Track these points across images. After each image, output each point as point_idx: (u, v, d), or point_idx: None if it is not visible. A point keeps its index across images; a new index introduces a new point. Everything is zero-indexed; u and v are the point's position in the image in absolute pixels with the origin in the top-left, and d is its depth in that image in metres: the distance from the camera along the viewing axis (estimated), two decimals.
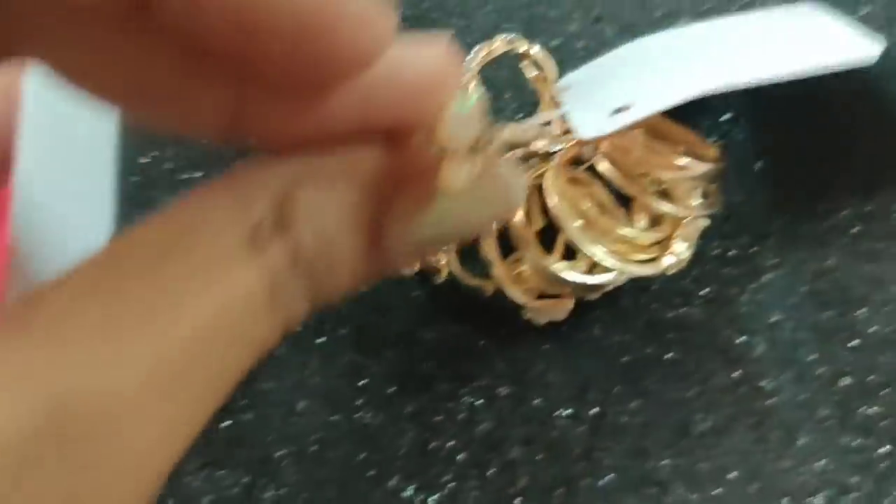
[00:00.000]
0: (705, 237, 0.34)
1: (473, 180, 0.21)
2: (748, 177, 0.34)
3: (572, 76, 0.34)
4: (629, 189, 0.30)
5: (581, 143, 0.31)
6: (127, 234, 0.20)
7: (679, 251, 0.30)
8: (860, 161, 0.33)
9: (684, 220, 0.31)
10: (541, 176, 0.31)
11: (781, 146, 0.34)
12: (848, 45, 0.30)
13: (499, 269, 0.31)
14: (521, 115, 0.36)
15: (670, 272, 0.31)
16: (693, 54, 0.31)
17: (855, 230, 0.33)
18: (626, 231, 0.31)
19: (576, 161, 0.32)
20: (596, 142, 0.31)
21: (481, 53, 0.31)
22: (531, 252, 0.30)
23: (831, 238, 0.33)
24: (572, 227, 0.30)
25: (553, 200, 0.30)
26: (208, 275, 0.19)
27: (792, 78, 0.28)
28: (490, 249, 0.31)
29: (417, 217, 0.21)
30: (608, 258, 0.30)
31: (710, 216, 0.31)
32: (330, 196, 0.20)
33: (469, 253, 0.33)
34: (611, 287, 0.31)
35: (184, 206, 0.20)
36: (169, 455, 0.19)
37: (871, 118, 0.34)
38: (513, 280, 0.32)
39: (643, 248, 0.31)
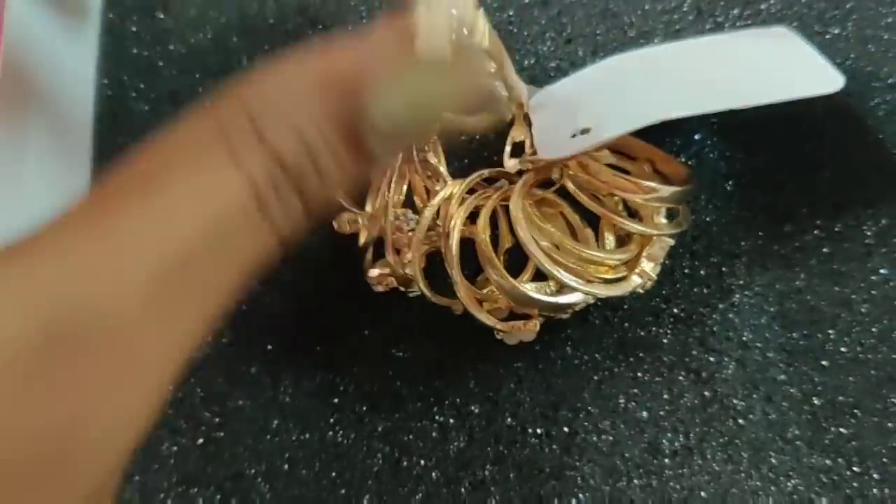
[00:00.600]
0: (676, 256, 0.34)
1: (448, 51, 0.22)
2: (719, 196, 0.34)
3: (549, 90, 0.35)
4: (597, 208, 0.30)
5: (547, 167, 0.31)
6: (117, 165, 0.21)
7: (647, 270, 0.30)
8: (829, 183, 0.33)
9: (652, 239, 0.31)
10: (509, 197, 0.31)
11: (752, 166, 0.34)
12: (813, 77, 0.30)
13: (462, 291, 0.31)
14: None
15: (639, 292, 0.31)
16: (661, 78, 0.31)
17: (823, 251, 0.33)
18: (592, 253, 0.31)
19: (546, 182, 0.32)
20: (563, 163, 0.31)
21: None
22: (496, 273, 0.30)
23: (800, 259, 0.33)
24: (537, 251, 0.30)
25: (517, 223, 0.30)
26: (194, 189, 0.20)
27: (755, 106, 0.28)
28: (455, 271, 0.31)
29: (393, 88, 0.21)
30: (573, 280, 0.30)
31: (678, 235, 0.31)
32: (303, 102, 0.21)
33: (439, 273, 0.33)
34: (581, 306, 0.31)
35: (166, 135, 0.21)
36: (170, 365, 0.20)
37: (840, 140, 0.34)
38: (480, 299, 0.32)
39: (611, 268, 0.31)
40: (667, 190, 0.30)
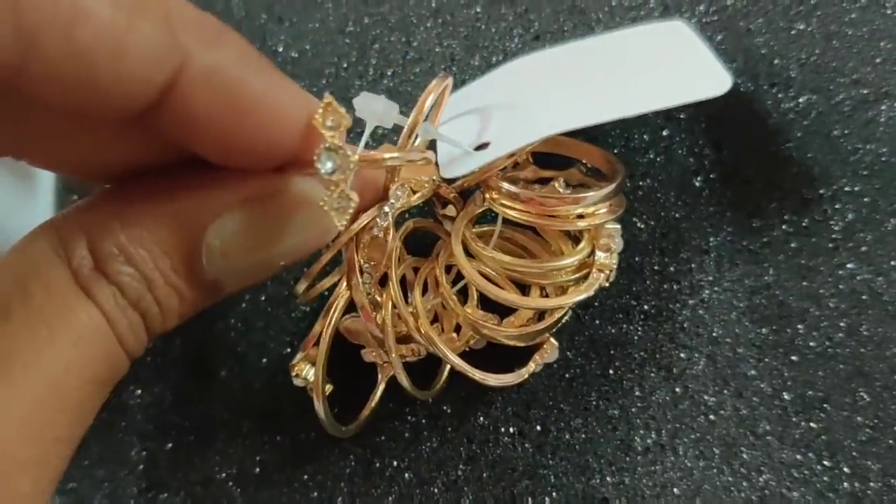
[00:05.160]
0: (645, 253, 0.34)
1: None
2: (688, 193, 0.34)
3: (456, 97, 0.35)
4: (532, 220, 0.30)
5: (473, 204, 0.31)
6: None
7: (604, 262, 0.30)
8: (796, 178, 0.34)
9: (600, 231, 0.30)
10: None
11: (720, 162, 0.34)
12: (702, 80, 0.29)
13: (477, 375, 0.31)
14: None
15: (605, 285, 0.30)
16: (554, 87, 0.31)
17: (791, 246, 0.33)
18: (549, 264, 0.30)
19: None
20: (483, 190, 0.31)
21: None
22: (489, 331, 0.30)
23: (769, 254, 0.33)
24: (502, 294, 0.30)
25: (471, 278, 0.30)
26: (49, 323, 0.20)
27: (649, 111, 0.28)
28: (454, 361, 0.31)
29: (230, 230, 0.23)
30: (549, 301, 0.30)
31: (621, 218, 0.31)
32: (143, 238, 0.22)
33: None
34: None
35: (9, 262, 0.21)
36: (43, 493, 0.20)
37: (807, 136, 0.34)
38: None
39: (573, 271, 0.31)
40: (595, 195, 0.30)
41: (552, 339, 0.32)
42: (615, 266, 0.30)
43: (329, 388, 0.32)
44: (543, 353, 0.32)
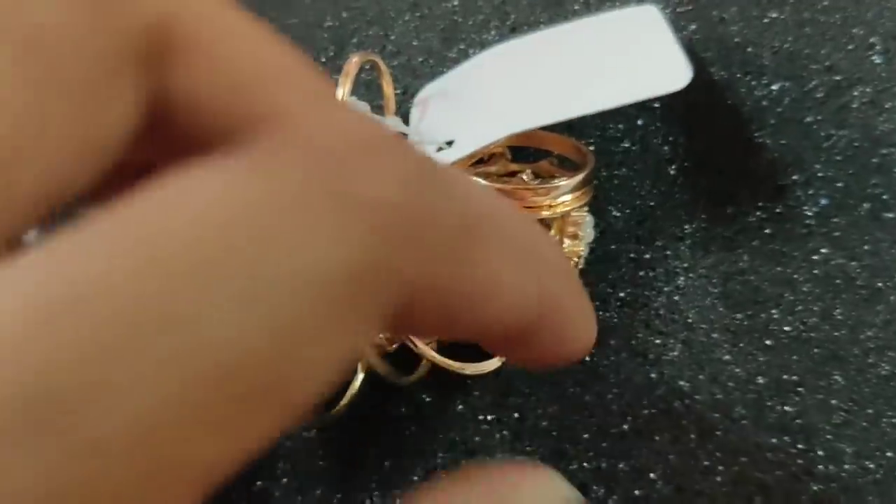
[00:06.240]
0: (621, 241, 0.34)
1: None
2: (662, 181, 0.35)
3: (429, 89, 0.35)
4: None
5: None
6: None
7: (570, 251, 0.31)
8: (769, 165, 0.34)
9: (566, 220, 0.31)
10: None
11: (695, 151, 0.35)
12: (663, 75, 0.29)
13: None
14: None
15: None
16: (519, 81, 0.32)
17: (765, 232, 0.33)
18: None
19: None
20: None
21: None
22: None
23: (743, 240, 0.33)
24: None
25: None
26: None
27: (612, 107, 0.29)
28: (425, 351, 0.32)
29: None
30: None
31: (596, 210, 0.31)
32: None
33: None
34: None
35: None
36: None
37: (780, 123, 0.34)
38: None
39: None
40: (566, 185, 0.30)
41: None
42: (583, 254, 0.31)
43: None
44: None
